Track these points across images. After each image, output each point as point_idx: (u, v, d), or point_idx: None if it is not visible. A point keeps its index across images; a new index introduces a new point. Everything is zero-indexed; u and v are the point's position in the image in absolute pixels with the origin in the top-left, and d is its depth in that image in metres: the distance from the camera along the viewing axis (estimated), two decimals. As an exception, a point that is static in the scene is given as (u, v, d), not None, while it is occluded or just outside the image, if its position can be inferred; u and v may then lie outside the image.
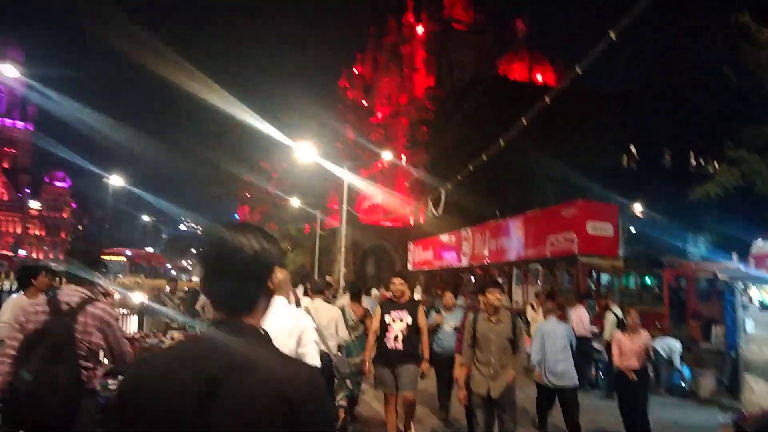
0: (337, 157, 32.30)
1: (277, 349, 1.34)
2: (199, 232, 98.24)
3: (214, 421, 1.19)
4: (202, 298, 11.62)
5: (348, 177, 24.01)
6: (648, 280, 14.23)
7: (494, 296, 5.11)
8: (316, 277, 24.66)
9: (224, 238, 1.33)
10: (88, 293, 3.18)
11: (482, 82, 35.32)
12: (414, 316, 5.72)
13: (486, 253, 18.21)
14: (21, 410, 2.92)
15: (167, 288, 11.92)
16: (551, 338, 6.33)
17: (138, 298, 12.55)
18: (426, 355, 5.83)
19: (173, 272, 50.54)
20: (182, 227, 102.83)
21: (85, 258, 3.28)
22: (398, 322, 5.67)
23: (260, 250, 1.33)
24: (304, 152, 25.02)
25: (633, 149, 33.33)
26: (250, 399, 1.21)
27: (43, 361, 2.93)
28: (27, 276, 5.26)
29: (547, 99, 9.37)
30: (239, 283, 1.33)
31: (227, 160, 38.09)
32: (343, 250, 24.83)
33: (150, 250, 55.84)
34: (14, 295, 5.20)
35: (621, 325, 8.39)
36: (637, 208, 25.31)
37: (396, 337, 5.62)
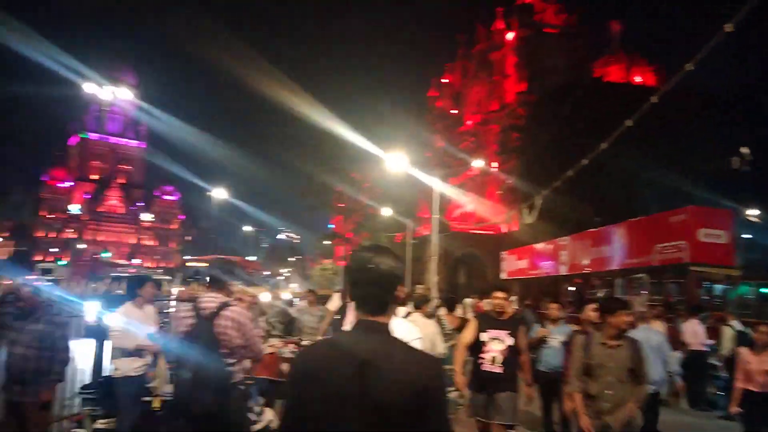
0: (427, 166, 32.29)
1: (407, 343, 1.78)
2: (295, 241, 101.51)
3: (366, 395, 1.60)
4: (298, 304, 11.95)
5: (438, 185, 23.93)
6: (768, 291, 13.06)
7: (622, 319, 4.28)
8: (409, 284, 24.66)
9: (367, 257, 1.77)
10: (225, 298, 3.71)
11: (577, 85, 34.15)
12: (515, 336, 5.07)
13: (586, 262, 17.48)
14: (182, 402, 3.51)
15: (261, 296, 12.25)
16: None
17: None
18: (528, 378, 5.28)
19: (273, 279, 52.53)
20: (281, 237, 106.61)
21: (224, 268, 3.91)
22: (496, 343, 5.03)
23: (391, 267, 1.77)
24: (395, 162, 25.24)
25: (746, 151, 30.88)
26: (393, 380, 1.61)
27: (196, 359, 3.46)
28: (135, 286, 5.56)
29: (654, 98, 8.86)
30: (376, 291, 1.75)
31: (321, 171, 39.20)
32: (434, 258, 24.74)
33: (252, 258, 58.11)
34: (124, 305, 5.50)
35: (741, 340, 7.71)
36: (753, 213, 23.35)
37: (493, 359, 4.99)
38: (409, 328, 3.98)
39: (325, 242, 54.53)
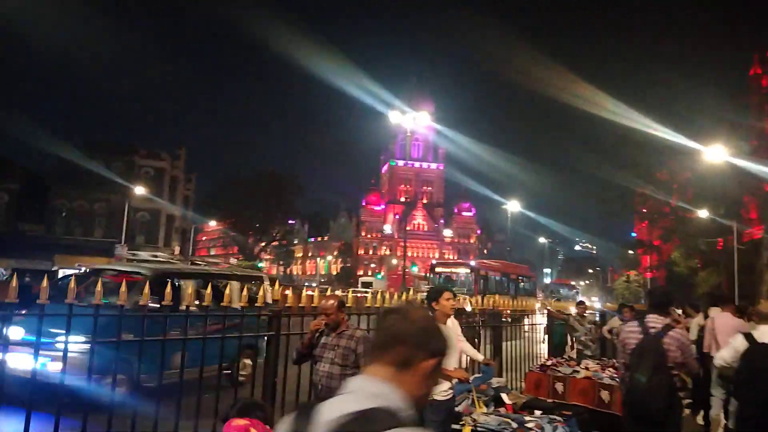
0: (756, 156, 27.34)
1: None
2: (593, 252, 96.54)
3: None
4: (612, 321, 10.99)
5: (775, 178, 19.95)
6: None
7: None
8: (736, 300, 21.07)
9: None
10: (667, 321, 4.46)
11: None
12: None
13: None
14: (638, 402, 4.25)
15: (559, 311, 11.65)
16: None
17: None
18: None
19: (563, 291, 50.57)
20: (577, 248, 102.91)
21: (660, 299, 4.70)
22: None
23: None
24: (711, 156, 21.96)
25: None
26: None
27: (650, 368, 4.21)
28: (433, 297, 5.19)
29: None
30: None
31: (620, 175, 36.43)
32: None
33: (547, 271, 56.67)
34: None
35: None
36: None
37: None
38: None
39: (629, 252, 50.50)
